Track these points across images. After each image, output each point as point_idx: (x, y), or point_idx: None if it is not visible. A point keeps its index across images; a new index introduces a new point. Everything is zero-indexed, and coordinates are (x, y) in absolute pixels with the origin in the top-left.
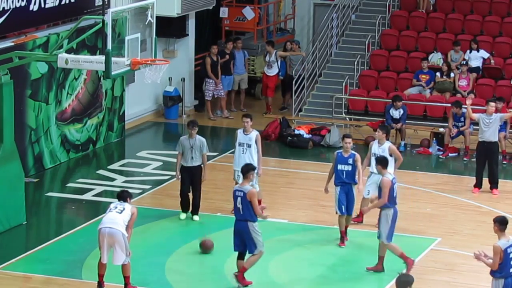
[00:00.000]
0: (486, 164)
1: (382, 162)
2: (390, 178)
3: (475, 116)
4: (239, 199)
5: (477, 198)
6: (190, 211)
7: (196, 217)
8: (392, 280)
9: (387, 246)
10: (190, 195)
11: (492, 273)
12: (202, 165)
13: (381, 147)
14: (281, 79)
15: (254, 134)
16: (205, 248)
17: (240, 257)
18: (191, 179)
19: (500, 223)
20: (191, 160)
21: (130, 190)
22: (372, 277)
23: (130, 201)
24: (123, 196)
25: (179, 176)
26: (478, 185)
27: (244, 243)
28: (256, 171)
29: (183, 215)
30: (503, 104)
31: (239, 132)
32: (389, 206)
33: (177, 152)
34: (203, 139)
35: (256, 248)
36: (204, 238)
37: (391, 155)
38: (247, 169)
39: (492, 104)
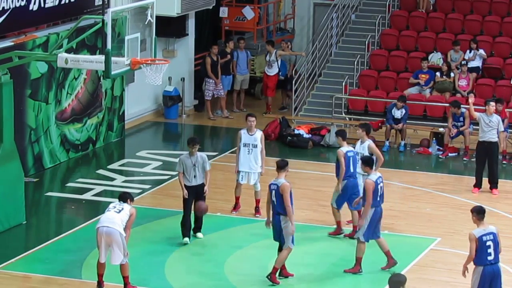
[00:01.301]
0: (486, 164)
1: (366, 161)
2: (373, 179)
3: (476, 115)
4: (273, 192)
5: (476, 198)
6: (192, 229)
7: (200, 234)
8: None
9: (360, 243)
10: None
11: (473, 261)
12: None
13: (362, 145)
14: (282, 78)
15: (259, 134)
16: (199, 210)
17: (281, 249)
18: (195, 199)
19: (477, 212)
20: (194, 178)
21: (130, 190)
22: (371, 277)
23: (130, 203)
24: (124, 197)
25: (187, 194)
26: (478, 185)
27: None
28: (261, 171)
29: (187, 239)
30: (502, 106)
31: (243, 132)
32: (372, 205)
33: (177, 172)
34: (205, 155)
35: (284, 243)
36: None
37: (372, 154)
38: (284, 164)
39: (492, 103)
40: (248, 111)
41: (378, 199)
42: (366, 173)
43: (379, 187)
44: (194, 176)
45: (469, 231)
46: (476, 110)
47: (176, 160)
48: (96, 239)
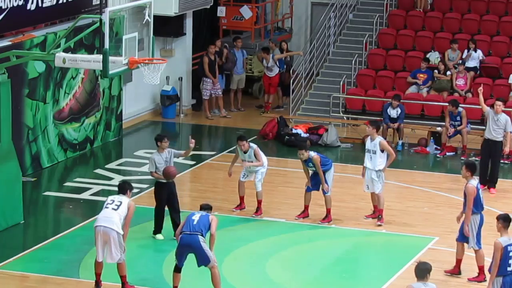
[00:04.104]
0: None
1: (470, 166)
2: (474, 184)
3: (486, 108)
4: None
5: None
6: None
7: (160, 236)
8: (389, 280)
9: (477, 252)
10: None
11: (490, 270)
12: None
13: (373, 142)
14: (282, 72)
15: (251, 151)
16: (168, 175)
17: (180, 270)
18: (168, 195)
19: (504, 220)
20: None
21: None
22: (370, 276)
23: (130, 193)
24: (123, 188)
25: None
26: (482, 182)
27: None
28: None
29: (160, 236)
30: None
31: (239, 149)
32: (475, 211)
33: (151, 172)
34: (171, 149)
35: (210, 261)
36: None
37: (382, 151)
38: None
39: (499, 103)
40: (246, 110)
41: (482, 205)
42: (465, 178)
43: (480, 192)
44: None
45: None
46: (473, 110)
47: (174, 159)
48: (94, 238)
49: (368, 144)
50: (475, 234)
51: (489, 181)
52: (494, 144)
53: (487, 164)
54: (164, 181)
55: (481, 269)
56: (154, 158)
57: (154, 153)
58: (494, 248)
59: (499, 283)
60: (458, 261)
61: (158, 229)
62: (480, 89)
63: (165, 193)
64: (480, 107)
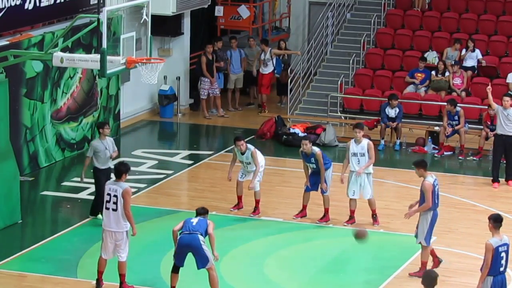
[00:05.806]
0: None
1: (420, 164)
2: (431, 181)
3: (495, 106)
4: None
5: (472, 196)
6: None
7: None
8: (386, 280)
9: (425, 248)
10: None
11: (482, 270)
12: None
13: (360, 145)
14: (277, 77)
15: (249, 153)
16: (360, 236)
17: (178, 271)
18: (106, 179)
19: (495, 220)
20: (106, 161)
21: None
22: (366, 276)
23: (126, 175)
24: (119, 171)
25: (84, 180)
26: (496, 179)
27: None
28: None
29: (101, 216)
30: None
31: (236, 150)
32: (430, 208)
33: (86, 157)
34: (111, 138)
35: (208, 261)
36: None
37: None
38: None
39: (507, 98)
40: (243, 110)
41: (436, 201)
42: (421, 176)
43: (436, 189)
44: (107, 160)
45: (464, 229)
46: (471, 109)
47: (172, 159)
48: (102, 237)
49: (354, 148)
50: (425, 230)
51: (507, 174)
52: (508, 138)
53: (499, 160)
54: (102, 167)
55: (423, 264)
56: (94, 144)
57: (95, 140)
58: (485, 249)
59: (489, 282)
60: (435, 260)
61: (98, 209)
62: (489, 88)
63: (104, 179)
64: (486, 106)
